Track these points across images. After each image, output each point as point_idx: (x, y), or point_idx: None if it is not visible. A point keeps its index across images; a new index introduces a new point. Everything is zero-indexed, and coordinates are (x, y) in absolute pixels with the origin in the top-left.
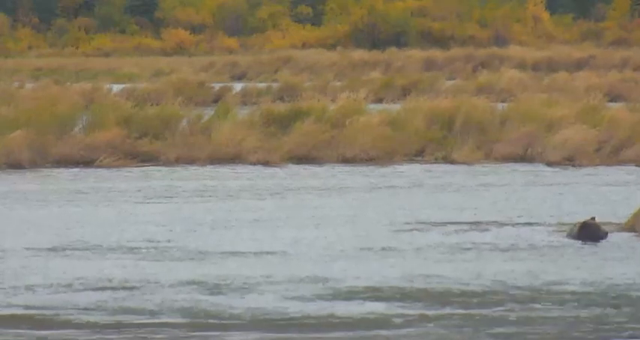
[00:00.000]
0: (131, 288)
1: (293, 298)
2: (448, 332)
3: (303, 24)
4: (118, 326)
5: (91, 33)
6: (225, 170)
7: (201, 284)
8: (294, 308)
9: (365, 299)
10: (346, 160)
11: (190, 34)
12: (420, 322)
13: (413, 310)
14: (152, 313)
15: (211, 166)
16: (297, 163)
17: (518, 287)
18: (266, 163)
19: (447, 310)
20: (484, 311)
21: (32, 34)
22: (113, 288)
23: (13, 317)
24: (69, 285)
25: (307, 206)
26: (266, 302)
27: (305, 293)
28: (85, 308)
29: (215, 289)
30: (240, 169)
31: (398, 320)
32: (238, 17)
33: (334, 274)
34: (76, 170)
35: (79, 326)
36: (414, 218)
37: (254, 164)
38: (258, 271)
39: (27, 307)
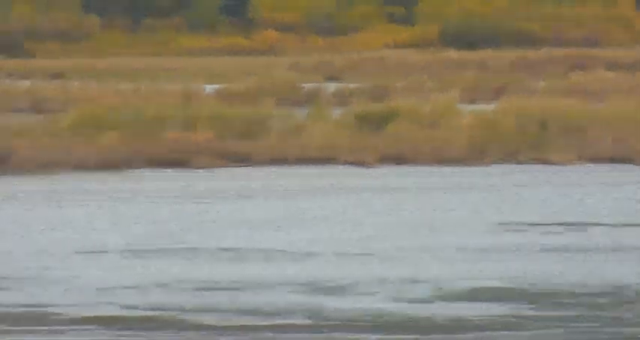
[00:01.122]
0: (238, 289)
1: (403, 299)
2: (567, 334)
3: (395, 24)
4: (241, 329)
5: (183, 33)
6: (315, 170)
7: (306, 285)
8: (409, 310)
9: (472, 300)
10: (439, 160)
11: (282, 34)
12: (540, 323)
13: (530, 311)
14: (269, 314)
15: (303, 166)
16: (390, 164)
17: (630, 289)
18: (359, 163)
19: (562, 312)
20: (600, 313)
21: (124, 34)
22: (221, 289)
23: (126, 318)
24: (176, 286)
25: (401, 207)
26: (376, 303)
27: (413, 295)
28: (203, 310)
29: (323, 290)
30: (330, 169)
31: (522, 322)
32: (330, 17)
33: (434, 275)
34: (169, 170)
35: (196, 327)
36: (512, 218)
37: (347, 164)
38: (360, 272)
39: (142, 308)
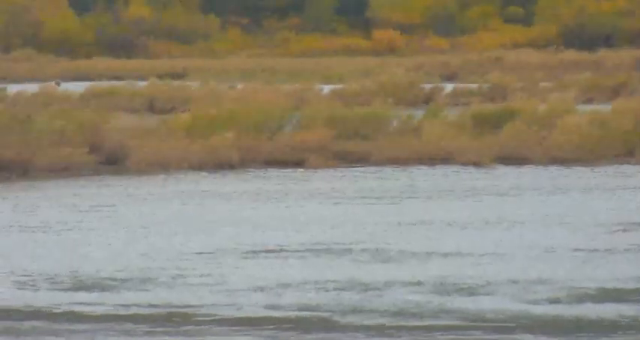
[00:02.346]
0: (376, 289)
1: (538, 300)
2: None
3: (513, 24)
4: (398, 329)
5: (300, 33)
6: (435, 170)
7: (424, 285)
8: (537, 311)
9: (600, 301)
10: (555, 160)
11: (400, 34)
12: None
13: None
14: (414, 315)
15: (424, 167)
16: (506, 164)
17: None
18: (476, 164)
19: None
20: None
21: (242, 34)
22: (356, 289)
23: (272, 318)
24: (310, 287)
25: (515, 208)
26: (498, 303)
27: (538, 296)
28: (344, 310)
29: (442, 290)
30: (447, 169)
31: None
32: (449, 17)
33: (554, 275)
34: (285, 170)
35: (344, 328)
36: (626, 219)
37: (463, 164)
38: (473, 272)
39: (285, 309)
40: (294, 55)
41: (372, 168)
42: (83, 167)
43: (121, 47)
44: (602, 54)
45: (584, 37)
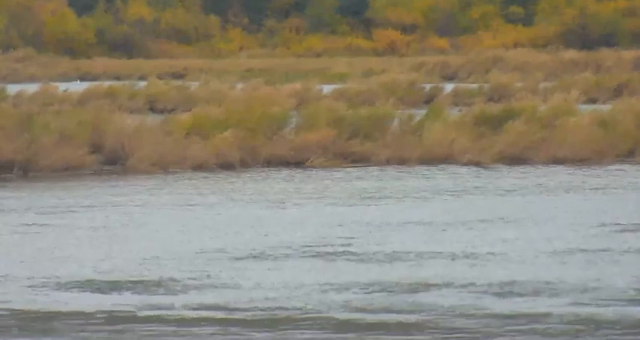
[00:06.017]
0: (390, 291)
1: (592, 302)
2: None
3: (514, 24)
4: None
5: (301, 33)
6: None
7: (478, 286)
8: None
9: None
10: (557, 161)
11: (401, 34)
12: None
13: None
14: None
15: (422, 167)
16: (508, 164)
17: None
18: (477, 164)
19: None
20: None
21: (243, 34)
22: (393, 291)
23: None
24: (348, 288)
25: (516, 208)
26: (571, 306)
27: (572, 299)
28: (390, 311)
29: (483, 292)
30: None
31: None
32: (449, 17)
33: (578, 277)
34: (286, 171)
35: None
36: (626, 219)
37: (465, 165)
38: (502, 273)
39: (370, 311)
40: (295, 55)
41: (375, 168)
42: (84, 167)
43: (121, 47)
44: (603, 54)
45: (585, 37)
